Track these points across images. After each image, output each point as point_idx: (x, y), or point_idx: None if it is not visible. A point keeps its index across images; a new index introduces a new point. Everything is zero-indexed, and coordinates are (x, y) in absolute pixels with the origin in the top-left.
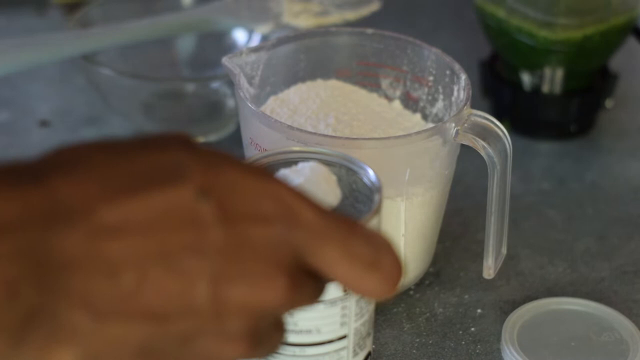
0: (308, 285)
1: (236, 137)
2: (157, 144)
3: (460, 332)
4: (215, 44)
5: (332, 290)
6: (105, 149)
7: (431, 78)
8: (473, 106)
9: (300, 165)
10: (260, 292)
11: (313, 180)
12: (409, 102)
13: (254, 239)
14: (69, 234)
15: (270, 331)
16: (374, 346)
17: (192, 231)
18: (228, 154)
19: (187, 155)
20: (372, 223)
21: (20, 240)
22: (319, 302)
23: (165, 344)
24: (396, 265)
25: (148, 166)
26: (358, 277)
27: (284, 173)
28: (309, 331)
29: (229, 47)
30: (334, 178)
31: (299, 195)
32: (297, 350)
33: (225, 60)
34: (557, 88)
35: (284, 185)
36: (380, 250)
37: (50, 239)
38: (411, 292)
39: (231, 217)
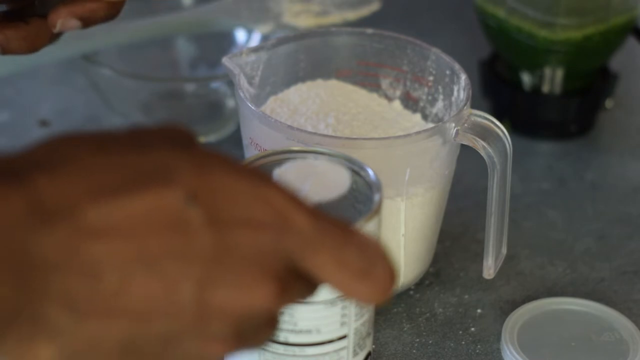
0: (298, 287)
1: (236, 137)
2: (148, 142)
3: (460, 332)
4: (215, 44)
5: (332, 291)
6: (93, 144)
7: (431, 78)
8: (473, 106)
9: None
10: (247, 297)
11: (320, 170)
12: (409, 102)
13: (243, 245)
14: (50, 233)
15: (259, 328)
16: (374, 346)
17: (179, 236)
18: (222, 155)
19: (178, 156)
20: (372, 223)
21: None
22: (311, 300)
23: (146, 345)
24: (389, 274)
25: (136, 166)
26: (350, 284)
27: (289, 167)
28: (309, 331)
29: (229, 47)
30: (342, 167)
31: (293, 200)
32: (297, 350)
33: (225, 60)
34: (557, 88)
35: (277, 190)
36: (373, 259)
37: (31, 238)
38: (411, 292)
39: (220, 222)
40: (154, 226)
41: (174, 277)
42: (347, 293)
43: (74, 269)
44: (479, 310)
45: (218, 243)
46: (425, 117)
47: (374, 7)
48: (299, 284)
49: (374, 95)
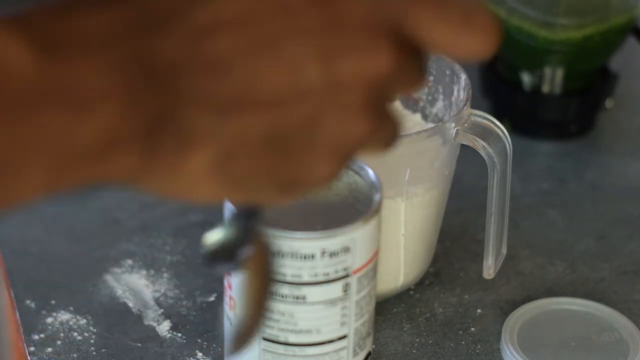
0: (411, 56)
1: None
2: None
3: (460, 332)
4: None
5: (332, 291)
6: None
7: (431, 78)
8: (473, 106)
9: None
10: (369, 59)
11: None
12: (409, 102)
13: (349, 14)
14: (167, 37)
15: (388, 112)
16: (374, 346)
17: (287, 16)
18: None
19: None
20: (372, 223)
21: (122, 50)
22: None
23: (289, 131)
24: (490, 22)
25: None
26: (455, 37)
27: None
28: (309, 331)
29: None
30: None
31: None
32: (297, 350)
33: None
34: (557, 88)
35: None
36: (474, 10)
37: (151, 46)
38: (411, 292)
39: None
40: (261, 12)
41: (295, 56)
42: (454, 48)
43: (201, 68)
44: (479, 310)
45: (325, 16)
46: (425, 117)
47: None
48: (410, 55)
49: None
